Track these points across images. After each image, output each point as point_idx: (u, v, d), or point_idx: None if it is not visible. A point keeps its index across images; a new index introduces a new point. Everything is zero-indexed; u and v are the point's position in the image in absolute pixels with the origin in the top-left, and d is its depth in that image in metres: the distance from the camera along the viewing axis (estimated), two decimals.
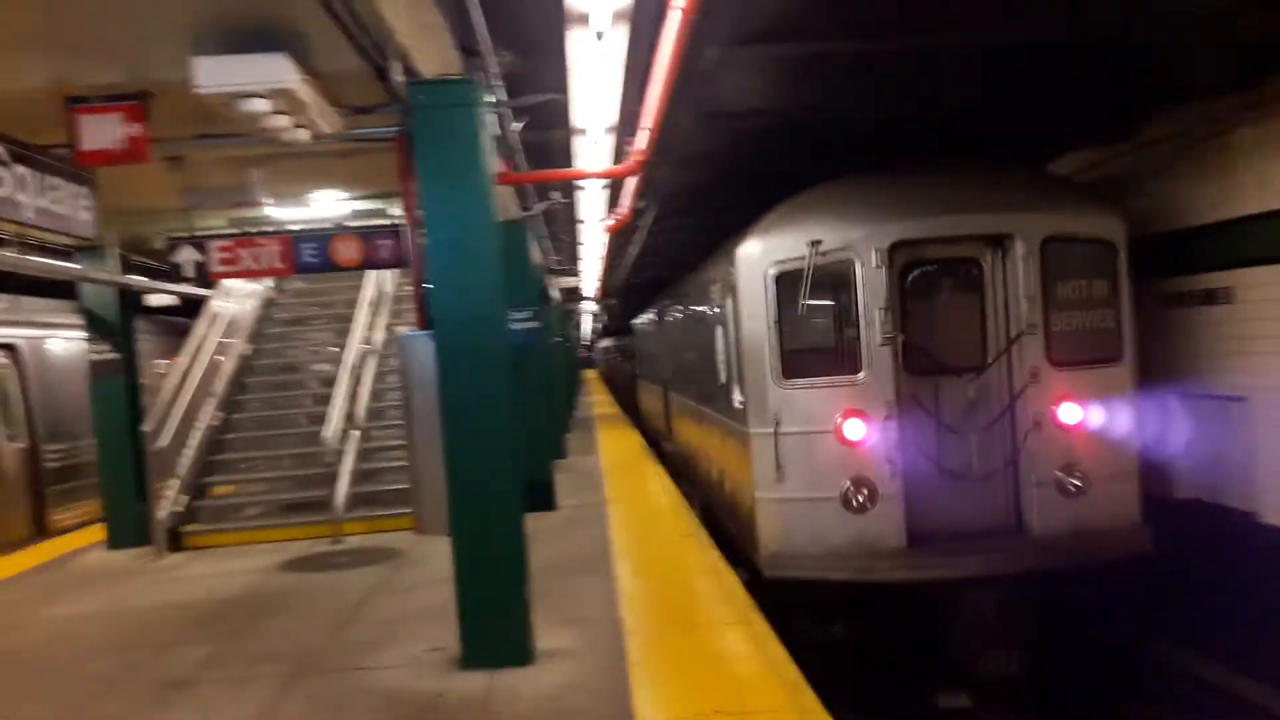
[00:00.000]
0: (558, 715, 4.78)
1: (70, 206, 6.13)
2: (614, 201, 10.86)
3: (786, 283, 7.71)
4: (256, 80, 4.99)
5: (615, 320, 39.29)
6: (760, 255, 7.88)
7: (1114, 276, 7.90)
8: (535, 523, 9.55)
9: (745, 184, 11.24)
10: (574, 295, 23.20)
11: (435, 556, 8.46)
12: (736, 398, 8.57)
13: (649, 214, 11.72)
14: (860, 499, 7.52)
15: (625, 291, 27.66)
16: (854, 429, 7.51)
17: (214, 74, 5.01)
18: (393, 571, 8.30)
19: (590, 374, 55.71)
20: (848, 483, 7.52)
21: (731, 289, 8.41)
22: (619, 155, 8.18)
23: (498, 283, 5.49)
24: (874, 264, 7.55)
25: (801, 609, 7.68)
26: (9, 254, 9.14)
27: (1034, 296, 7.63)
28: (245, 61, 5.00)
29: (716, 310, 9.77)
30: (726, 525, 9.62)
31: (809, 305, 7.62)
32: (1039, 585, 7.53)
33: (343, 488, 10.18)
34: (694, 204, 12.36)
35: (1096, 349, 7.82)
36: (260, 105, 5.12)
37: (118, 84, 5.73)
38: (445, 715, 4.90)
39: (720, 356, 9.63)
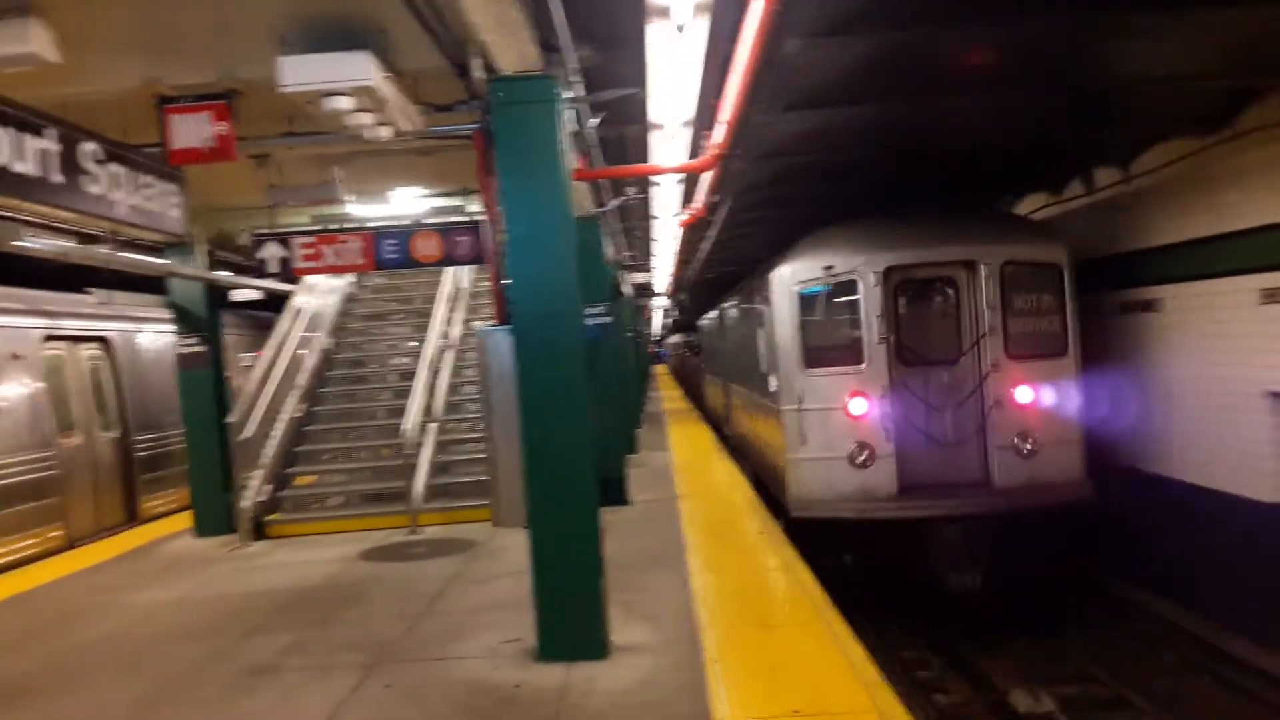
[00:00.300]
0: (634, 710, 4.77)
1: (161, 204, 6.30)
2: (689, 197, 10.82)
3: (808, 297, 10.26)
4: (340, 78, 5.07)
5: (685, 316, 39.93)
6: (789, 276, 10.34)
7: (1060, 291, 10.11)
8: (608, 517, 9.54)
9: (819, 177, 11.14)
10: (645, 291, 23.21)
11: (511, 548, 8.57)
12: (772, 383, 11.05)
13: (723, 209, 11.66)
14: (863, 458, 9.76)
15: (695, 288, 27.69)
16: (858, 406, 9.80)
17: (298, 72, 5.10)
18: (469, 562, 8.39)
19: (660, 369, 55.87)
20: (853, 446, 9.75)
21: (767, 301, 10.88)
22: (695, 150, 8.13)
23: (574, 277, 5.50)
24: (873, 283, 9.87)
25: (822, 544, 9.66)
26: (103, 250, 9.45)
27: (995, 306, 9.85)
28: (329, 60, 5.09)
29: (758, 316, 12.35)
30: (768, 484, 11.97)
31: (824, 312, 10.28)
32: (1000, 523, 9.55)
33: (420, 479, 10.35)
34: (766, 199, 12.25)
35: (1045, 346, 10.00)
36: (343, 103, 5.21)
37: (206, 84, 5.87)
38: (522, 707, 4.93)
39: (761, 352, 12.18)
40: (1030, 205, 12.94)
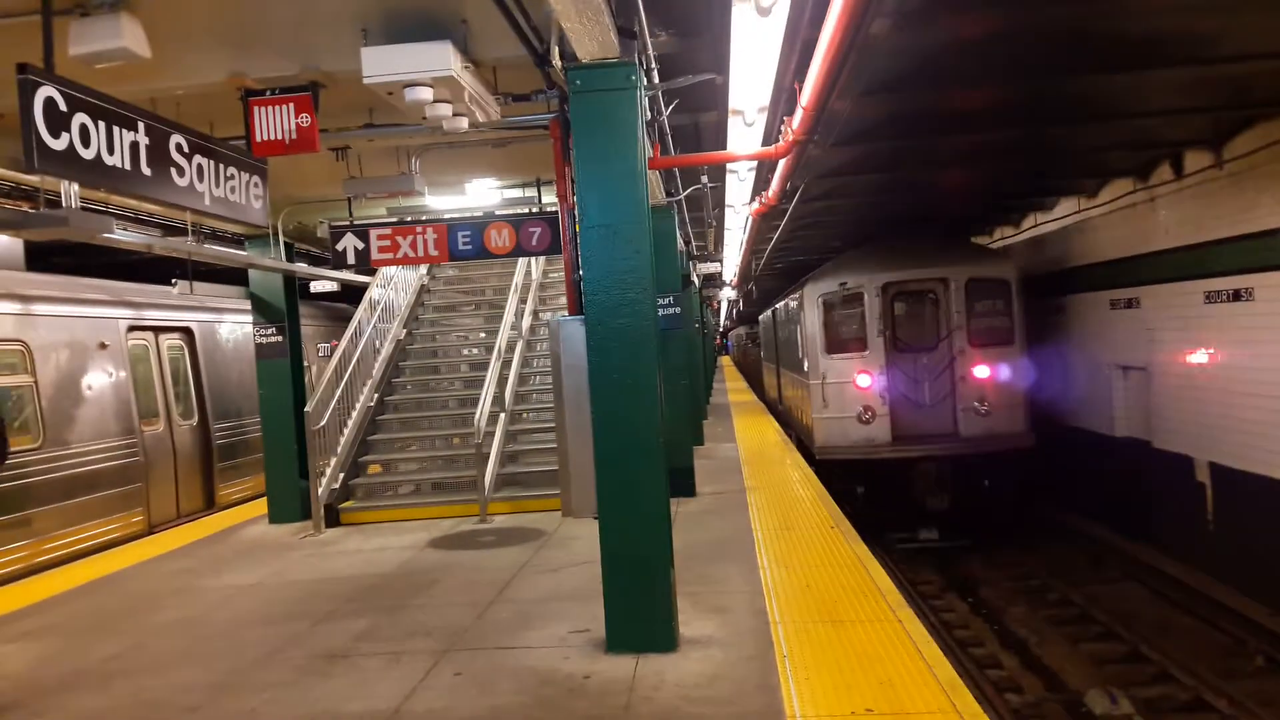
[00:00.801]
0: (705, 704, 4.73)
1: (244, 195, 6.41)
2: (761, 185, 10.72)
3: (824, 305, 14.48)
4: (420, 69, 5.10)
5: (749, 308, 40.53)
6: (815, 289, 14.68)
7: (1008, 298, 14.14)
8: (676, 509, 9.60)
9: (893, 164, 11.02)
10: (714, 281, 23.12)
11: (580, 538, 8.61)
12: (805, 364, 15.26)
13: (796, 197, 11.57)
14: (866, 417, 13.87)
15: (760, 279, 27.80)
16: (863, 380, 13.95)
17: (380, 63, 5.14)
18: (538, 551, 8.44)
19: (724, 360, 55.86)
20: (860, 408, 13.87)
21: (802, 306, 15.22)
22: (770, 137, 8.05)
23: (649, 267, 5.47)
24: (874, 294, 14.02)
25: (839, 477, 13.63)
26: (188, 242, 9.70)
27: (961, 310, 13.91)
28: (410, 50, 5.12)
29: (796, 317, 16.65)
30: (802, 437, 16.60)
31: (840, 314, 14.37)
32: (964, 462, 13.55)
33: (490, 468, 10.44)
34: (839, 188, 12.13)
35: (997, 337, 13.94)
36: (423, 93, 5.23)
37: (290, 77, 5.96)
38: (591, 698, 4.92)
39: (799, 341, 16.24)
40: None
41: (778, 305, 23.11)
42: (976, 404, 13.76)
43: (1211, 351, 11.18)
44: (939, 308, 14.17)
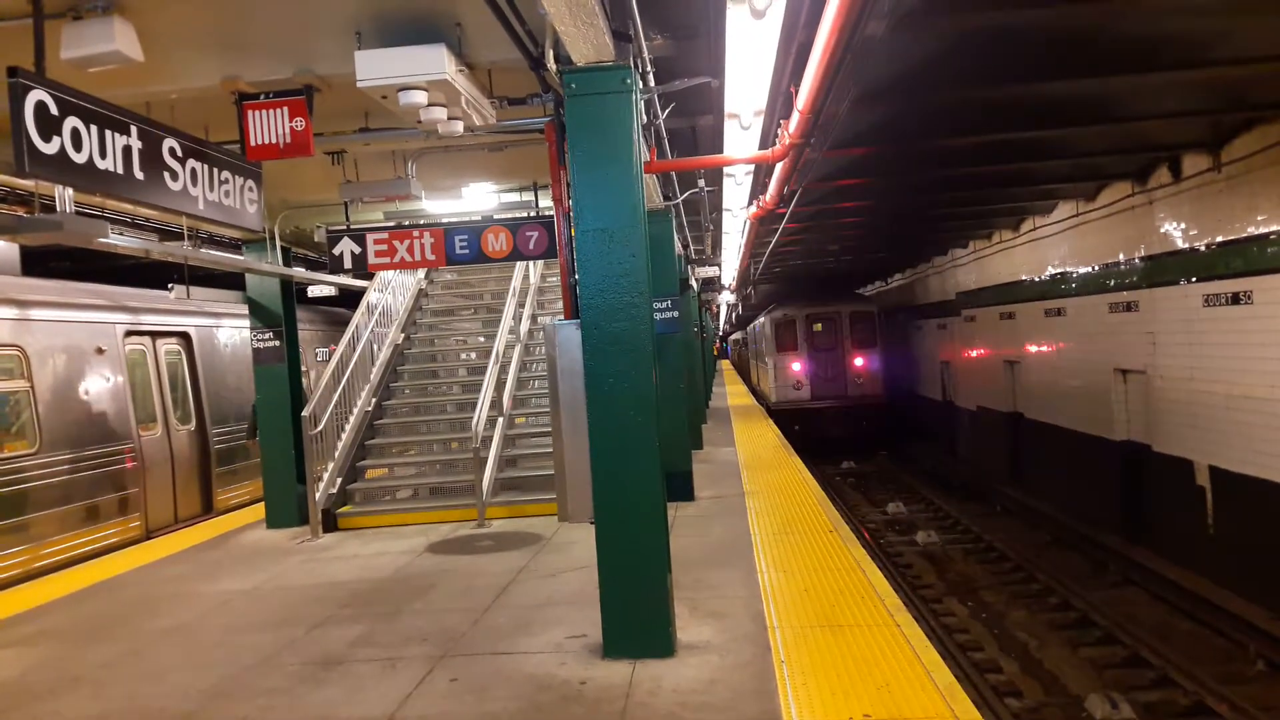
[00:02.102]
0: (701, 710, 4.70)
1: (238, 199, 6.39)
2: (759, 189, 10.71)
3: (774, 324, 27.43)
4: (415, 72, 5.09)
5: (750, 311, 42.52)
6: (769, 316, 28.08)
7: (873, 322, 27.11)
8: (674, 513, 9.59)
9: (891, 168, 11.03)
10: (712, 285, 23.13)
11: (577, 543, 8.58)
12: (766, 357, 28.33)
13: (794, 201, 11.56)
14: (798, 386, 26.54)
15: (760, 283, 28.44)
16: (796, 366, 26.71)
17: (375, 67, 5.13)
18: (535, 556, 8.40)
19: (724, 364, 56.37)
20: (794, 380, 26.51)
21: (763, 325, 29.30)
22: (766, 140, 8.03)
23: (645, 271, 5.44)
24: (802, 319, 26.85)
25: (784, 421, 21.68)
26: (183, 246, 9.67)
27: (847, 328, 26.59)
28: (404, 54, 5.11)
29: (762, 329, 30.02)
30: (765, 399, 27.66)
31: (782, 330, 27.30)
32: (850, 410, 25.80)
33: (488, 473, 10.41)
34: (837, 191, 12.12)
35: (867, 343, 26.46)
36: (418, 97, 5.22)
37: (284, 81, 5.95)
38: (588, 705, 4.89)
39: (763, 345, 28.89)
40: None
41: (753, 323, 38.92)
42: (856, 378, 26.78)
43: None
44: (836, 326, 27.08)
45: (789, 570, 7.28)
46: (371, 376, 12.37)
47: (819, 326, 26.72)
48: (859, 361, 26.36)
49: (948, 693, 4.70)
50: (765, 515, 9.52)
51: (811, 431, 24.87)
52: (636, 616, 5.52)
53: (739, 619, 6.11)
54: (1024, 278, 17.68)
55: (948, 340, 23.49)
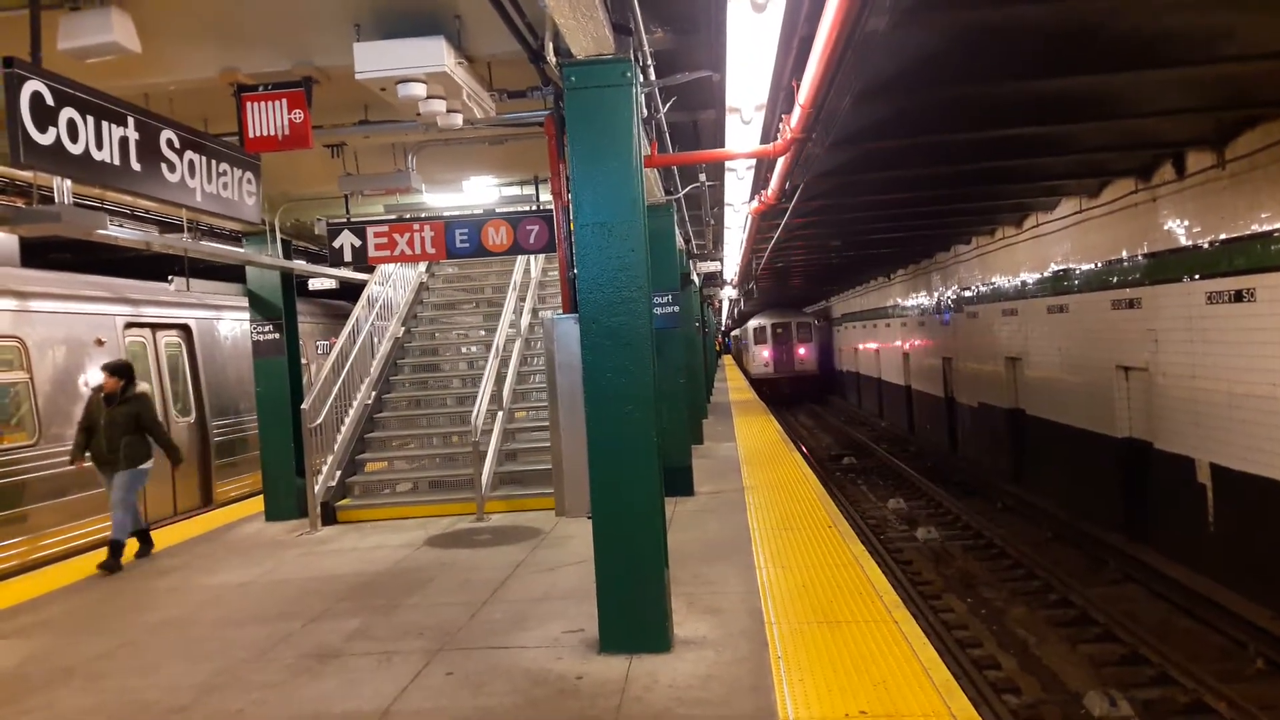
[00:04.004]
0: (697, 706, 4.69)
1: (236, 191, 6.37)
2: (761, 184, 10.68)
3: (753, 329, 46.61)
4: (414, 64, 5.05)
5: (752, 306, 47.33)
6: (750, 323, 48.03)
7: (811, 327, 45.79)
8: (673, 508, 9.58)
9: (894, 163, 10.99)
10: (714, 280, 23.08)
11: (576, 537, 8.58)
12: (750, 347, 47.91)
13: (796, 196, 11.53)
14: (766, 364, 44.50)
15: (761, 278, 27.98)
16: (765, 353, 44.76)
17: (373, 59, 5.09)
18: (533, 551, 8.40)
19: (726, 359, 58.42)
20: (764, 360, 44.60)
21: (747, 328, 50.14)
22: (768, 135, 8.00)
23: (645, 266, 5.42)
24: (768, 327, 44.68)
25: (758, 386, 37.53)
26: (185, 238, 9.66)
27: (793, 331, 44.72)
28: (403, 46, 5.07)
29: (747, 331, 50.60)
30: (747, 374, 45.82)
31: (760, 332, 45.59)
32: (798, 379, 44.21)
33: (488, 467, 10.41)
34: (840, 186, 12.09)
35: (806, 338, 44.75)
36: (417, 89, 5.19)
37: (283, 73, 5.92)
38: (584, 700, 4.88)
39: (749, 339, 48.28)
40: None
41: (744, 326, 54.23)
42: (799, 360, 43.83)
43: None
44: (789, 330, 43.96)
45: (787, 566, 7.27)
46: (371, 370, 12.36)
47: (779, 330, 44.68)
48: (801, 350, 44.57)
49: (945, 690, 4.68)
50: (764, 511, 9.51)
51: (773, 391, 40.34)
52: (633, 611, 5.52)
53: (736, 615, 6.11)
54: (1002, 280, 17.85)
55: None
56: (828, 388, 46.39)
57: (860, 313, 37.21)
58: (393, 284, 13.68)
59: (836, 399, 45.29)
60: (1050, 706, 8.75)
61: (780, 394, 41.43)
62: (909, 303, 28.28)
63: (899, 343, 29.93)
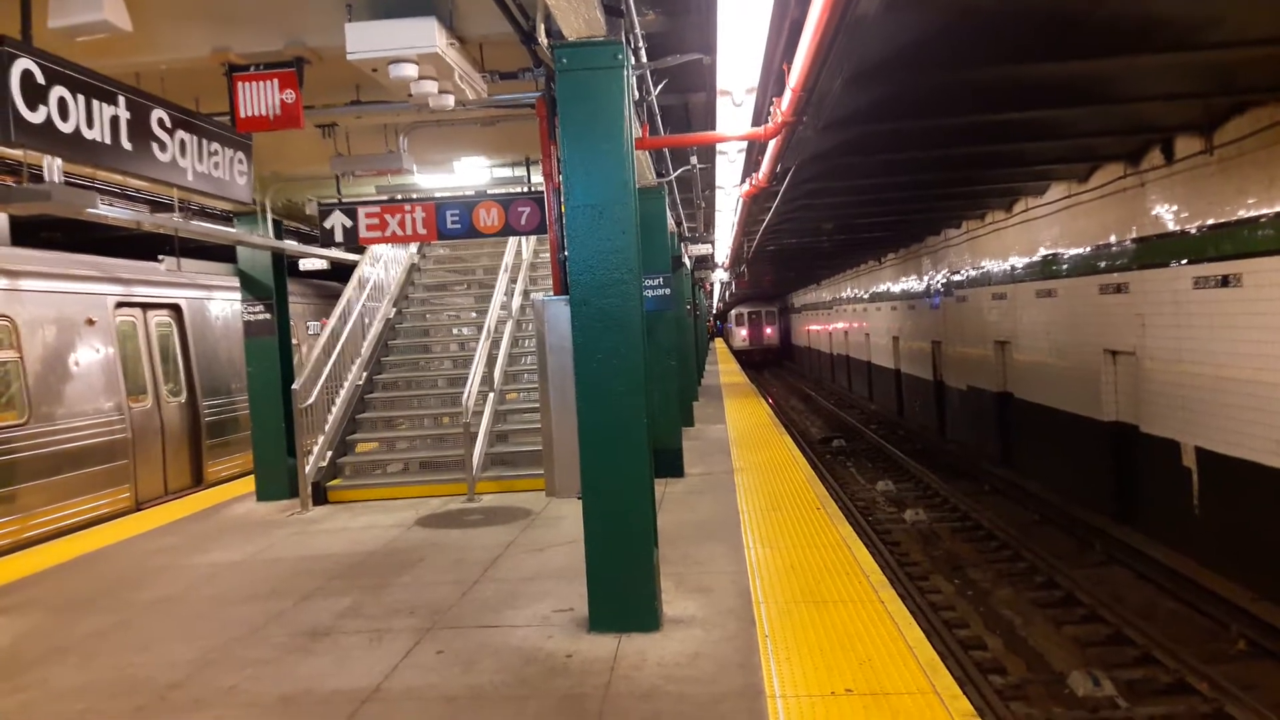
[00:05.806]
0: (685, 684, 4.76)
1: (227, 171, 6.36)
2: (752, 167, 10.69)
3: (735, 314, 65.83)
4: (405, 45, 5.04)
5: (739, 294, 60.64)
6: (733, 312, 66.75)
7: (775, 313, 65.52)
8: (663, 490, 9.65)
9: (884, 147, 11.02)
10: (706, 263, 23.08)
11: (566, 518, 8.63)
12: (734, 328, 67.05)
13: (787, 179, 11.55)
14: (744, 340, 63.27)
15: (753, 262, 27.87)
16: (743, 331, 63.88)
17: (364, 39, 5.08)
18: (524, 531, 8.45)
19: (718, 342, 62.05)
20: (743, 336, 63.65)
21: (731, 316, 68.39)
22: (759, 118, 8.01)
23: (635, 248, 5.45)
24: (746, 314, 63.57)
25: (739, 355, 53.26)
26: (175, 218, 9.63)
27: (765, 316, 63.77)
28: (395, 26, 5.06)
29: (730, 316, 69.73)
30: (730, 347, 62.70)
31: (741, 316, 64.29)
32: (765, 351, 62.71)
33: (479, 447, 10.44)
34: (832, 169, 12.10)
35: (772, 323, 64.14)
36: (408, 70, 5.18)
37: (275, 53, 5.91)
38: (573, 677, 4.94)
39: (733, 323, 67.23)
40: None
41: (729, 312, 68.46)
42: (766, 338, 62.95)
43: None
44: (759, 316, 62.69)
45: (776, 546, 7.34)
46: (363, 350, 12.36)
47: (754, 315, 62.37)
48: (768, 330, 62.64)
49: (930, 668, 4.76)
50: (753, 492, 9.58)
51: (747, 360, 53.12)
52: (623, 591, 5.57)
53: (725, 594, 6.17)
54: (992, 264, 17.93)
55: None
56: (786, 356, 64.44)
57: (846, 299, 41.40)
58: (384, 265, 13.66)
59: (789, 363, 63.26)
60: (1035, 686, 8.87)
61: (753, 360, 58.24)
62: (898, 287, 28.23)
63: (890, 326, 30.01)
